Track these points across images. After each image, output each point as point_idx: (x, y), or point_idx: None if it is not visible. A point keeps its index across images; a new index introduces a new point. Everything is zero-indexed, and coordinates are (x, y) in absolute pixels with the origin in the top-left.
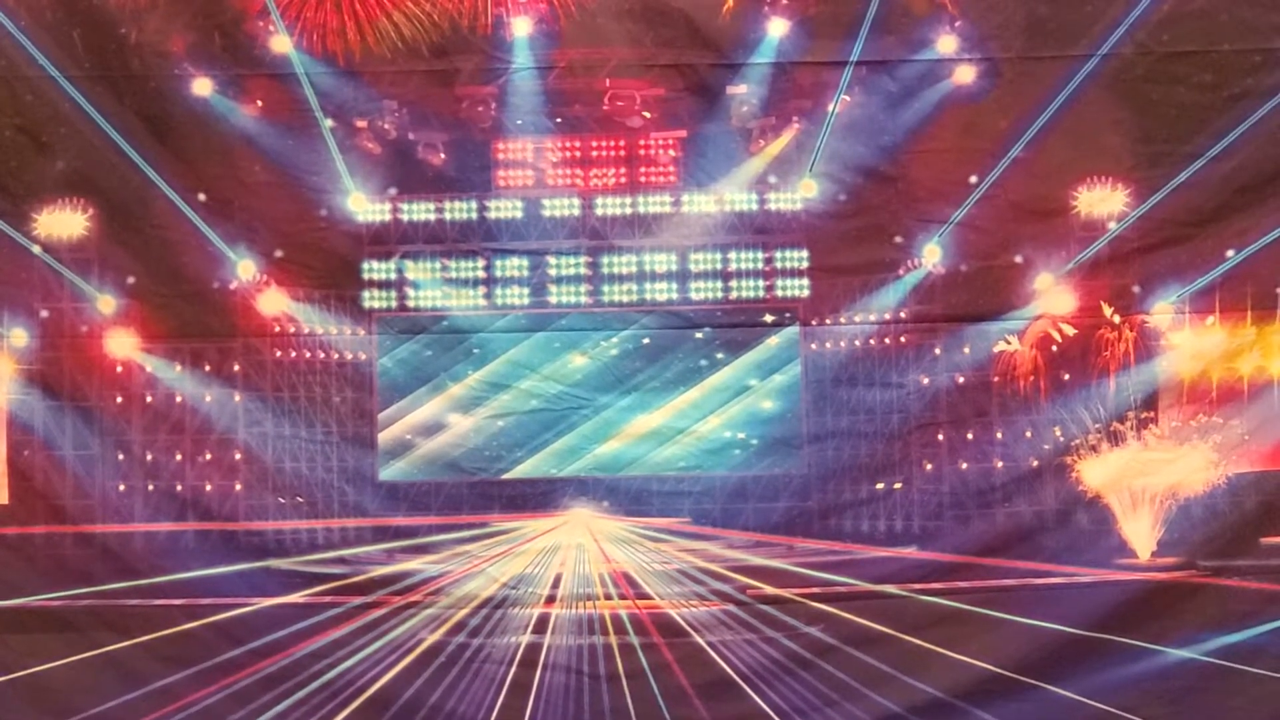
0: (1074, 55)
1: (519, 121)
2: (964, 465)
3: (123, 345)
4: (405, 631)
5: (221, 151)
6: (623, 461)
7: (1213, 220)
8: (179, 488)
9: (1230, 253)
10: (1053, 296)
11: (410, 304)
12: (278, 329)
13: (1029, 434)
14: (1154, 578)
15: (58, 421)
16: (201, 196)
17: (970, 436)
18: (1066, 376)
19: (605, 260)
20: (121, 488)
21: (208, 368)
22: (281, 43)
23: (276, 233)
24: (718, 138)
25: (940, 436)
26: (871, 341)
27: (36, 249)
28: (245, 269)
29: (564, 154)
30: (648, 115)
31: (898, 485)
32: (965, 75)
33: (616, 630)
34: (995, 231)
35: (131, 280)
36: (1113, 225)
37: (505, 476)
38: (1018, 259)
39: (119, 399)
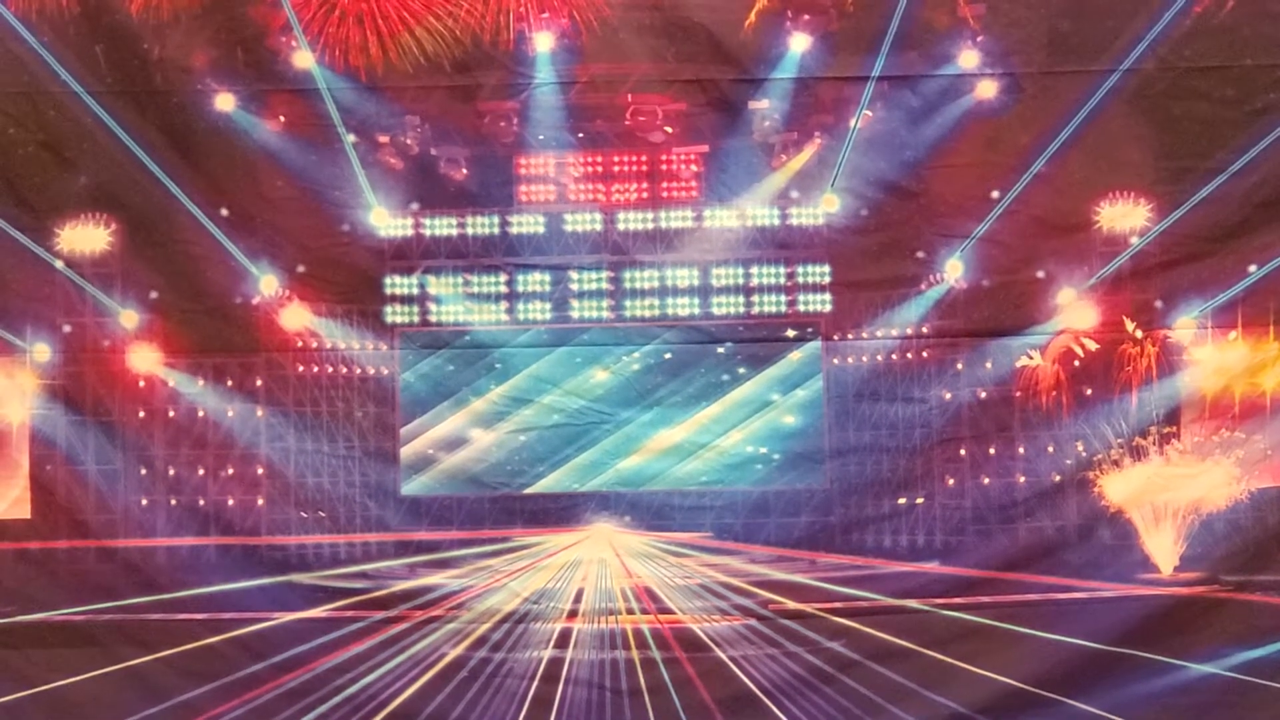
0: (1096, 70)
1: (541, 137)
2: (986, 480)
3: (145, 360)
4: (427, 646)
5: (244, 167)
6: (644, 476)
7: (1235, 235)
8: (201, 502)
9: (1252, 268)
10: (1075, 311)
11: (432, 319)
12: (300, 344)
13: (1051, 449)
14: (1176, 593)
15: (80, 436)
16: (224, 211)
17: (992, 451)
18: (1089, 391)
19: (627, 275)
20: (144, 502)
21: (230, 383)
22: (304, 58)
23: (299, 248)
24: (739, 153)
25: (962, 451)
26: (894, 356)
27: (59, 264)
28: (268, 284)
29: (586, 169)
30: (669, 130)
31: (920, 500)
32: (987, 90)
33: (638, 645)
34: (1017, 246)
35: (154, 295)
36: (1135, 240)
37: (527, 491)
38: (1040, 274)
39: (141, 414)
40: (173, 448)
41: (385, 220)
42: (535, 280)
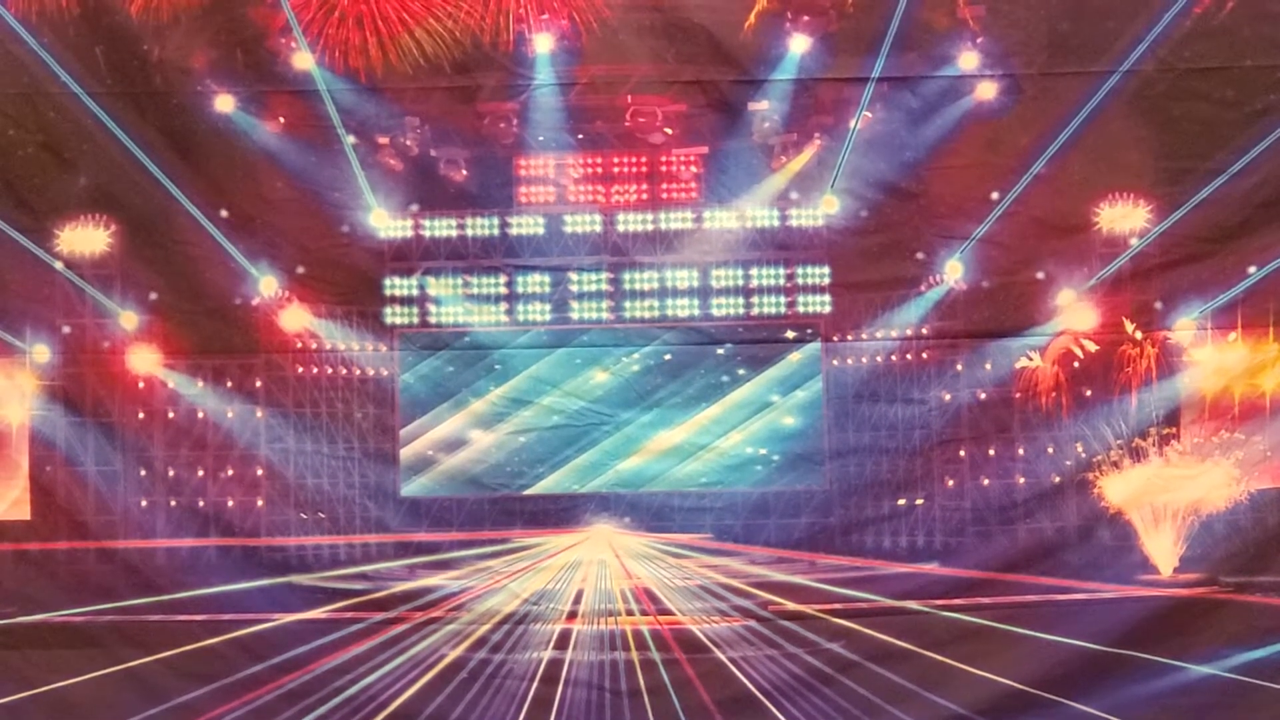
0: (1096, 71)
1: (540, 138)
2: (986, 481)
3: (145, 361)
4: (427, 647)
5: (244, 168)
6: (644, 477)
7: (1235, 236)
8: (201, 504)
9: (1252, 269)
10: (1075, 312)
11: (432, 320)
12: (300, 345)
13: (1051, 450)
14: (1176, 594)
15: (80, 437)
16: (224, 213)
17: (992, 453)
18: (1088, 393)
19: (627, 276)
20: (144, 503)
21: (230, 384)
22: (303, 59)
23: (298, 249)
24: (739, 154)
25: (962, 453)
26: (893, 358)
27: (59, 265)
28: (267, 285)
29: (586, 170)
30: (669, 131)
31: (920, 501)
32: (987, 91)
33: (638, 646)
34: (1017, 247)
35: (154, 296)
36: (1134, 241)
37: (527, 492)
38: (1040, 275)
39: (141, 415)
40: (172, 449)
41: (385, 221)
42: (535, 281)
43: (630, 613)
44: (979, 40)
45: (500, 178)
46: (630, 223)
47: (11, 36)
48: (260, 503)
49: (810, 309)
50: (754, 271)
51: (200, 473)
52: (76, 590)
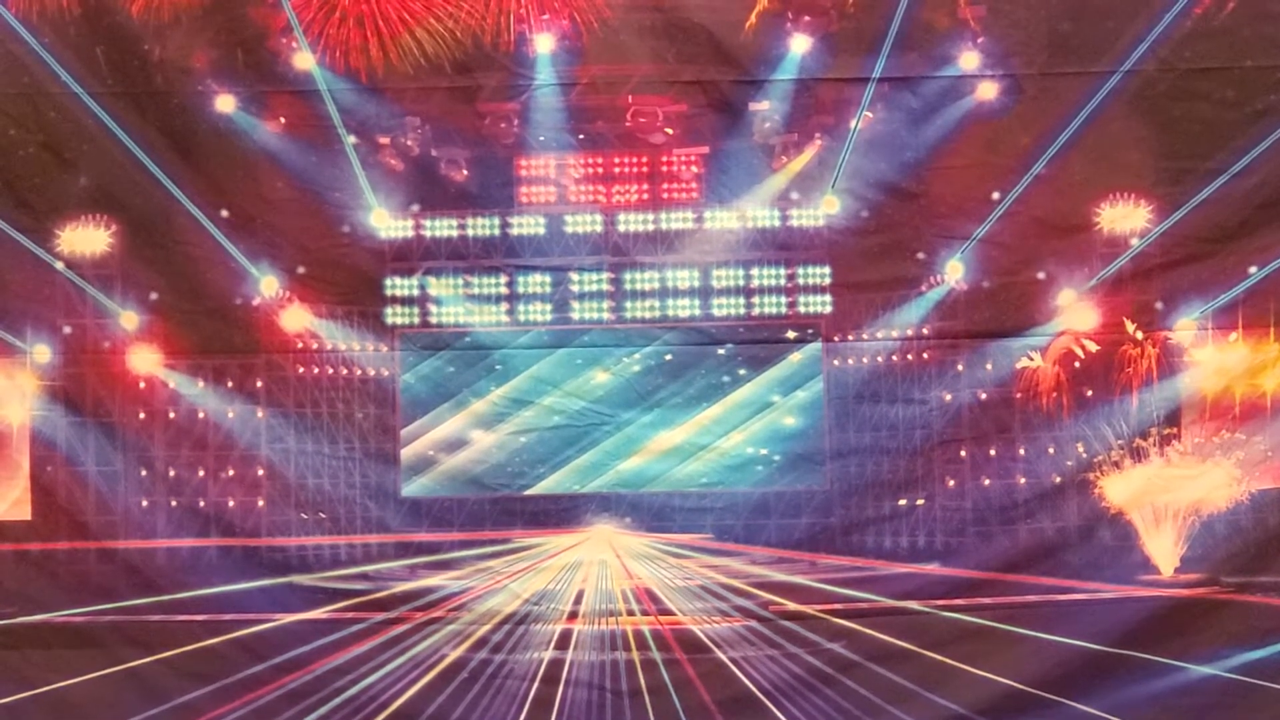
0: (1096, 72)
1: (541, 138)
2: (987, 481)
3: (145, 361)
4: (428, 647)
5: (244, 168)
6: (645, 478)
7: (1235, 236)
8: (202, 504)
9: (1253, 269)
10: (1075, 313)
11: (433, 320)
12: (300, 345)
13: (1052, 450)
14: (1177, 594)
15: (80, 438)
16: (224, 213)
17: (993, 453)
18: (1089, 393)
19: (627, 276)
20: (144, 504)
21: (230, 384)
22: (304, 59)
23: (299, 249)
24: (740, 154)
25: (963, 453)
26: (894, 358)
27: (59, 265)
28: (268, 285)
29: (586, 170)
30: (670, 132)
31: (920, 501)
32: (988, 92)
33: (639, 646)
34: (1018, 248)
35: (154, 296)
36: (1135, 241)
37: (528, 493)
38: (1040, 275)
39: (142, 415)
40: (173, 449)
41: (386, 222)
42: (536, 282)
43: (631, 613)
44: (980, 40)
45: (501, 178)
46: (631, 223)
47: (12, 36)
48: (261, 503)
49: (811, 309)
50: (755, 271)
51: (201, 473)
52: (77, 590)
